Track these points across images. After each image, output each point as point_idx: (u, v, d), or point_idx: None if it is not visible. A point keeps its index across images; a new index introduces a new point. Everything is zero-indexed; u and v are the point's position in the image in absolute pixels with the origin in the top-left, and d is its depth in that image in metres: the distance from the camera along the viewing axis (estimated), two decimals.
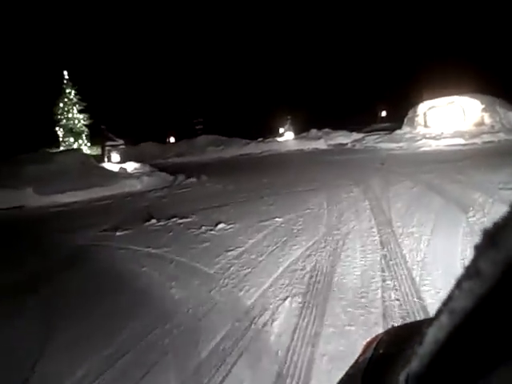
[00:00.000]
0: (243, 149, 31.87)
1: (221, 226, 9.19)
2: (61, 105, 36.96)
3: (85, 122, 37.50)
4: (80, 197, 15.27)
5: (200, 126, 40.82)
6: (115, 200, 14.83)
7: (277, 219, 9.37)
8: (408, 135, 26.18)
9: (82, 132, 37.41)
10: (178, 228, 9.55)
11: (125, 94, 41.80)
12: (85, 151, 36.99)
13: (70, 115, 37.09)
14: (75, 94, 37.52)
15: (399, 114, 33.30)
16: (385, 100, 46.67)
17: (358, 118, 42.37)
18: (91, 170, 16.87)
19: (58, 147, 36.60)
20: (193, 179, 18.00)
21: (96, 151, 37.01)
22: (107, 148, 19.79)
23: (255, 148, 31.37)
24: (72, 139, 36.93)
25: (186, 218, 10.46)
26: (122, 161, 20.34)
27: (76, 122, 37.25)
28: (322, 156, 23.24)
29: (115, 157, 19.87)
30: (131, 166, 19.78)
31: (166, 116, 42.12)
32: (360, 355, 1.16)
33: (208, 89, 45.77)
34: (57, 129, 36.83)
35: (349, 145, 28.50)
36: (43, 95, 35.53)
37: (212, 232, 8.86)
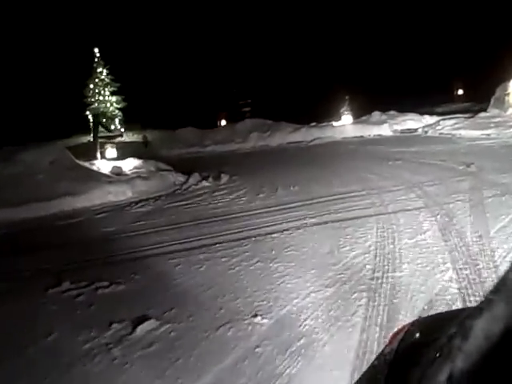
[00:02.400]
0: (292, 135, 26.98)
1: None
2: (91, 86, 33.24)
3: (118, 105, 33.67)
4: (41, 211, 11.03)
5: (247, 108, 36.21)
6: (82, 218, 10.48)
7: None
8: (497, 119, 20.55)
9: (115, 116, 33.62)
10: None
11: (163, 73, 37.62)
12: (119, 138, 33.47)
13: (101, 97, 33.34)
14: (107, 74, 33.74)
15: (480, 93, 27.64)
16: (462, 76, 40.31)
17: (430, 97, 36.28)
18: (65, 171, 12.59)
19: (89, 133, 33.02)
20: (207, 182, 13.64)
21: (132, 137, 33.28)
22: (100, 141, 15.53)
23: (306, 134, 26.38)
24: (103, 123, 33.20)
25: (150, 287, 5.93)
26: (120, 157, 15.99)
27: (108, 105, 33.48)
28: (385, 147, 18.07)
29: (111, 152, 15.60)
30: (130, 164, 15.44)
31: (211, 97, 37.56)
32: (386, 346, 1.18)
33: (257, 67, 40.72)
34: (87, 113, 33.14)
35: (419, 131, 23.05)
36: (71, 75, 31.69)
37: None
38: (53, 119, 32.76)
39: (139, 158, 16.14)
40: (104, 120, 18.04)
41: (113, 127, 33.53)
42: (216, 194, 11.91)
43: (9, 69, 31.76)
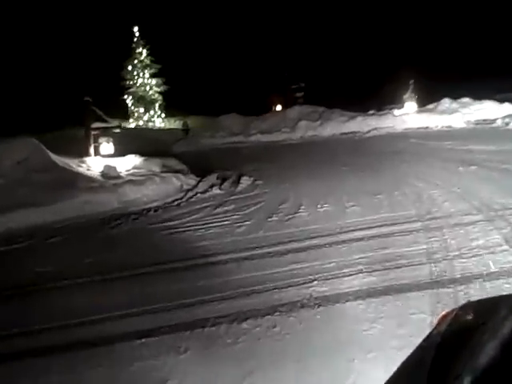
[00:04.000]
0: (346, 125, 23.47)
1: None
2: (129, 68, 30.73)
3: (158, 89, 31.07)
4: None
5: (300, 93, 32.77)
6: (25, 244, 7.69)
7: None
8: None
9: (155, 101, 31.09)
10: None
11: (209, 53, 34.60)
12: (158, 124, 30.87)
13: (140, 80, 30.80)
14: (147, 55, 31.11)
15: None
16: None
17: (506, 81, 31.52)
18: (34, 174, 9.87)
19: (128, 119, 30.64)
20: (219, 189, 10.74)
21: (173, 124, 30.64)
22: (94, 133, 12.69)
23: (362, 124, 22.83)
24: (142, 109, 30.73)
25: None
26: (118, 153, 13.08)
27: (148, 88, 30.92)
28: (455, 143, 14.43)
29: (106, 147, 12.68)
30: (129, 163, 12.54)
31: (261, 80, 34.26)
32: (434, 329, 1.18)
33: (312, 46, 36.91)
34: (125, 96, 30.70)
35: (498, 122, 19.07)
36: (109, 55, 29.24)
37: None
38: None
39: (142, 155, 13.23)
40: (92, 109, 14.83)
41: (152, 112, 31.05)
42: (219, 210, 8.86)
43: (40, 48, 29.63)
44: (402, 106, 24.28)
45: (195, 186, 11.17)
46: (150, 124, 30.71)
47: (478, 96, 23.25)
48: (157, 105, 31.06)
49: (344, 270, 5.15)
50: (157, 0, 33.89)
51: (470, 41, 36.36)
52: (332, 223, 7.01)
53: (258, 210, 8.56)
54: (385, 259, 5.35)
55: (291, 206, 8.44)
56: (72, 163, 11.50)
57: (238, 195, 10.11)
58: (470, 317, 1.14)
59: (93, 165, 12.06)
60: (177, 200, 10.05)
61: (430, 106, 23.74)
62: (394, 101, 25.11)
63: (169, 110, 31.10)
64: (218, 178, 11.83)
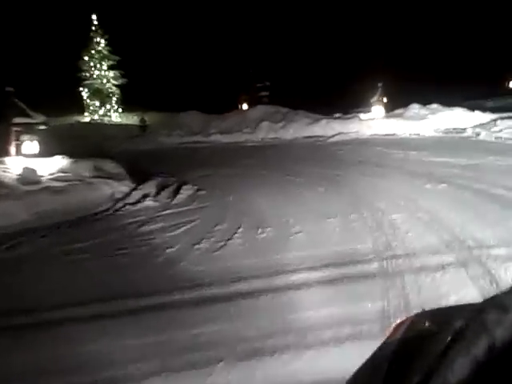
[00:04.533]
0: (310, 128, 22.22)
1: None
2: (86, 58, 28.89)
3: (116, 82, 29.32)
4: None
5: (265, 92, 31.40)
6: None
7: None
8: None
9: (112, 94, 29.32)
10: None
11: (170, 46, 32.82)
12: (114, 119, 29.12)
13: (97, 72, 29.00)
14: (105, 45, 29.31)
15: None
16: None
17: (476, 88, 30.81)
18: None
19: (82, 113, 28.83)
20: (153, 201, 9.46)
21: (131, 120, 28.94)
22: (15, 130, 11.00)
23: (327, 128, 21.57)
24: (98, 103, 28.94)
25: None
26: (45, 153, 11.34)
27: (105, 81, 29.14)
28: (423, 153, 13.33)
29: (29, 146, 11.01)
30: (55, 166, 10.91)
31: (225, 77, 32.61)
32: (389, 336, 1.17)
33: (279, 45, 35.44)
34: (80, 89, 28.86)
35: (469, 131, 18.03)
36: (64, 45, 27.37)
37: None
38: (41, 95, 28.62)
39: (72, 156, 11.60)
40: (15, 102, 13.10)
41: (108, 106, 29.29)
42: (144, 228, 7.44)
43: None
44: (370, 110, 23.09)
45: (127, 195, 9.69)
46: (106, 119, 28.93)
47: (448, 102, 22.26)
48: (114, 99, 29.29)
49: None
50: None
51: (441, 45, 35.49)
52: (268, 258, 5.64)
53: (188, 231, 7.16)
54: (325, 323, 3.99)
55: (227, 229, 7.05)
56: None
57: (172, 209, 8.71)
58: (425, 325, 1.13)
59: (11, 166, 10.41)
60: (100, 213, 8.58)
61: (398, 111, 22.69)
62: (362, 104, 23.91)
63: (127, 104, 29.36)
64: (156, 186, 10.34)
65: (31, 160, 10.83)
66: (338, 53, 35.10)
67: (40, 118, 11.68)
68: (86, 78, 28.87)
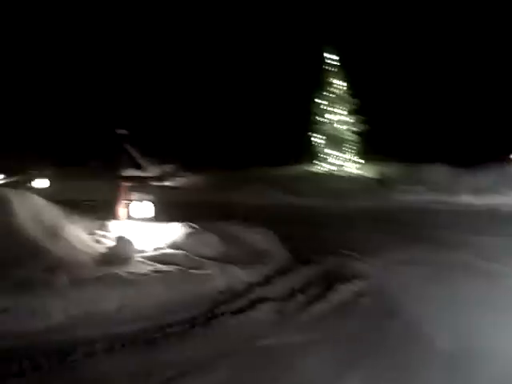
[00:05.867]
0: None
1: None
2: (320, 100, 26.13)
3: (354, 129, 26.03)
4: None
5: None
6: None
7: None
8: None
9: (350, 142, 26.09)
10: None
11: (415, 88, 28.13)
12: (351, 169, 25.68)
13: (332, 117, 26.13)
14: (344, 87, 26.15)
15: None
16: None
17: None
18: None
19: (314, 161, 26.21)
20: (269, 312, 5.24)
21: (368, 171, 25.29)
22: (127, 185, 7.84)
23: None
24: (333, 151, 25.98)
25: None
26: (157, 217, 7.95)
27: (341, 126, 26.08)
28: None
29: (138, 207, 7.53)
30: (168, 237, 7.48)
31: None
32: None
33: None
34: (315, 135, 26.29)
35: None
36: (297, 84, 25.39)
37: None
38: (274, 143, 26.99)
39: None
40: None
41: (344, 155, 26.01)
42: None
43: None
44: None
45: (247, 291, 6.00)
46: (340, 169, 25.75)
47: None
48: (351, 147, 25.96)
49: None
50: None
51: None
52: None
53: None
54: None
55: None
56: (79, 231, 7.23)
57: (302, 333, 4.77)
58: None
59: (112, 233, 7.51)
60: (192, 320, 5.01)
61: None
62: None
63: (366, 154, 25.80)
64: (307, 287, 6.35)
65: (140, 225, 7.73)
66: None
67: (153, 170, 8.59)
68: (320, 123, 26.14)
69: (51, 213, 7.28)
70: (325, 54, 26.09)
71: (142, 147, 9.40)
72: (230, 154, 26.94)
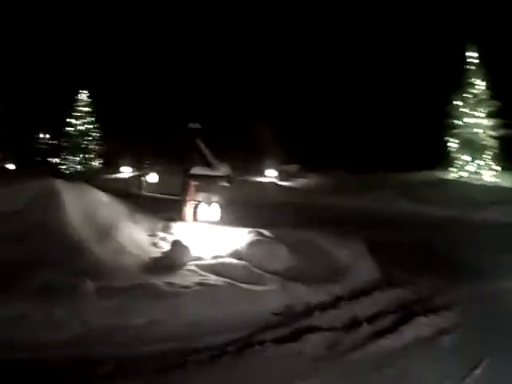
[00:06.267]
0: None
1: None
2: (458, 102, 24.39)
3: (493, 133, 24.04)
4: None
5: None
6: None
7: None
8: None
9: (487, 147, 24.15)
10: None
11: None
12: (488, 177, 23.73)
13: (469, 120, 24.29)
14: (487, 88, 24.20)
15: None
16: None
17: None
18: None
19: (448, 166, 24.57)
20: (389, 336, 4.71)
21: (507, 180, 23.22)
22: (195, 184, 7.45)
23: None
24: (468, 157, 24.17)
25: None
26: (224, 220, 7.46)
27: (479, 130, 24.17)
28: None
29: (205, 210, 7.20)
30: (230, 243, 6.94)
31: None
32: None
33: None
34: (449, 139, 24.65)
35: None
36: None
37: None
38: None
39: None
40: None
41: (481, 162, 24.07)
42: None
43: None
44: None
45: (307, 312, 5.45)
46: (477, 176, 23.86)
47: None
48: (488, 153, 23.98)
49: None
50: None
51: None
52: None
53: None
54: None
55: None
56: (139, 231, 7.17)
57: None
58: None
59: (173, 237, 7.23)
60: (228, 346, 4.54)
61: None
62: None
63: (503, 161, 23.74)
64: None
65: (206, 229, 7.40)
66: None
67: (223, 169, 8.04)
68: (456, 126, 24.42)
69: (110, 211, 7.11)
70: (466, 53, 24.34)
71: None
72: (358, 155, 26.48)
